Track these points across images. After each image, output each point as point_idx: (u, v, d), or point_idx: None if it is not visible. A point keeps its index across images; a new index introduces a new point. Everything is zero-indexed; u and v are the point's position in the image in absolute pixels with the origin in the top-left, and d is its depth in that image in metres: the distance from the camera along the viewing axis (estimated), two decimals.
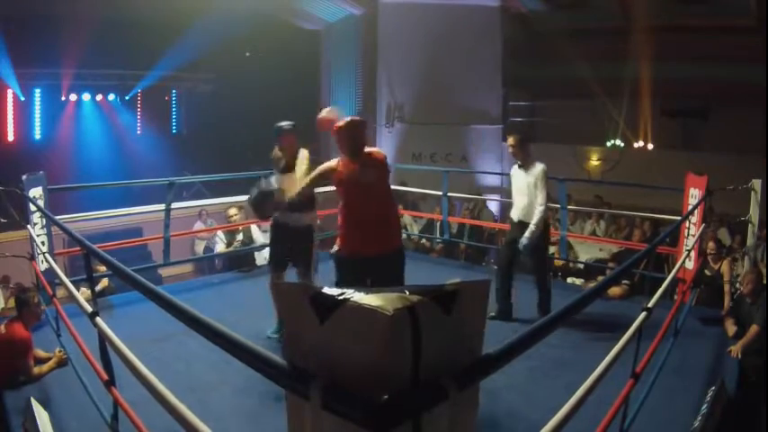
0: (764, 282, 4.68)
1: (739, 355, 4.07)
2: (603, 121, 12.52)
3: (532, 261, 4.82)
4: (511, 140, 4.79)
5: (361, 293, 1.06)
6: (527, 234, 4.59)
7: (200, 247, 8.78)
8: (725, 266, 5.28)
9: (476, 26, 11.61)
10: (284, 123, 4.19)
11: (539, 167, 4.67)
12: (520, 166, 4.77)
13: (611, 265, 6.88)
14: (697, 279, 5.18)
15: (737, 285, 5.22)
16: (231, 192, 9.20)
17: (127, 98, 12.58)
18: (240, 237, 7.04)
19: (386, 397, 0.97)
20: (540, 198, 4.58)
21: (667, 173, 7.85)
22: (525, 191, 4.68)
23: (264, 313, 4.22)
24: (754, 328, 4.16)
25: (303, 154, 4.14)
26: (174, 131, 13.78)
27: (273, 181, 4.06)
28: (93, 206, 6.42)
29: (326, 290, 1.10)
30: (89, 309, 2.44)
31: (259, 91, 11.78)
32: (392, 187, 3.81)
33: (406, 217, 8.91)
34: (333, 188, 3.60)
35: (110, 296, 5.66)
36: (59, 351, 3.78)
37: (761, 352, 4.09)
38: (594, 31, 11.70)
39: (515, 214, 4.80)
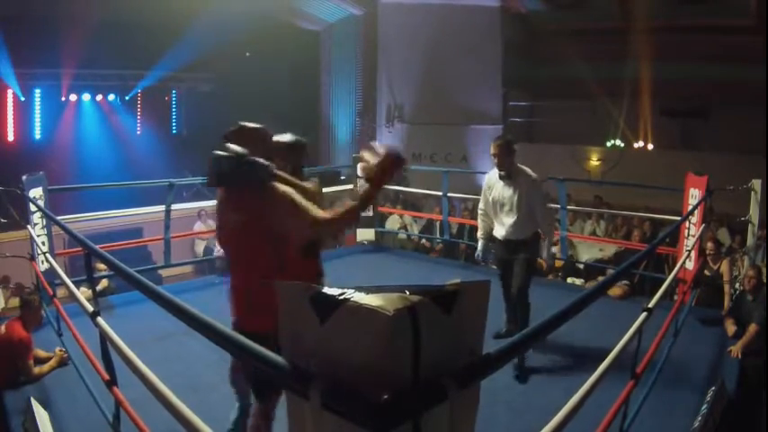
0: (765, 279, 4.69)
1: (739, 355, 4.07)
2: (603, 121, 12.53)
3: (522, 271, 4.05)
4: (493, 148, 4.04)
5: (362, 293, 1.06)
6: (547, 246, 4.20)
7: (200, 248, 8.78)
8: (724, 266, 5.29)
9: (476, 26, 11.62)
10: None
11: (529, 178, 4.04)
12: (502, 177, 4.09)
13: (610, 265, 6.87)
14: (697, 279, 5.18)
15: (737, 285, 5.22)
16: None
17: (127, 98, 12.58)
18: None
19: (386, 397, 0.97)
20: (540, 214, 4.06)
21: (667, 173, 7.86)
22: (513, 206, 4.05)
23: None
24: (753, 327, 4.17)
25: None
26: (174, 132, 13.78)
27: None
28: (93, 207, 6.42)
29: (327, 290, 1.10)
30: (90, 309, 2.44)
31: (259, 91, 11.79)
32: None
33: (406, 217, 8.91)
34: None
35: (110, 296, 5.66)
36: (60, 350, 3.78)
37: (761, 352, 4.09)
38: (594, 31, 11.70)
39: (500, 233, 4.18)
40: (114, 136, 12.36)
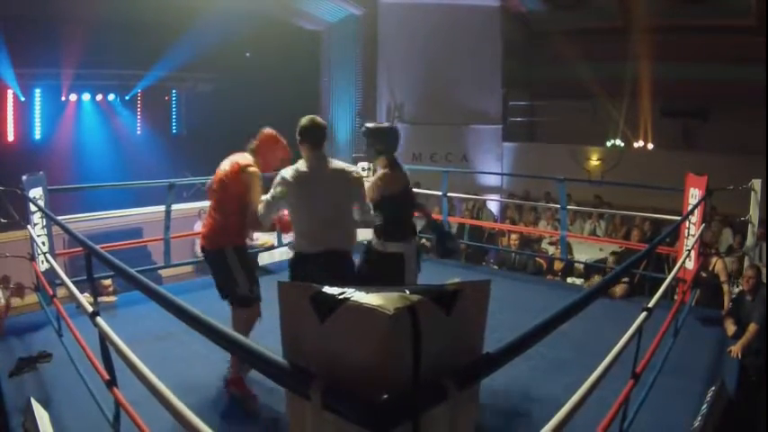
0: (763, 279, 4.69)
1: (739, 356, 4.07)
2: (603, 121, 12.54)
3: None
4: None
5: (362, 293, 1.06)
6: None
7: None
8: (719, 266, 5.28)
9: (476, 26, 11.62)
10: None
11: None
12: None
13: (610, 260, 6.84)
14: (695, 280, 5.18)
15: (739, 285, 5.22)
16: None
17: (127, 98, 12.59)
18: None
19: (386, 397, 0.97)
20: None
21: (667, 173, 7.87)
22: None
23: (265, 313, 4.21)
24: (752, 327, 4.17)
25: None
26: (174, 131, 13.78)
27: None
28: (93, 207, 6.43)
29: (327, 289, 1.10)
30: (90, 309, 2.44)
31: (259, 91, 11.79)
32: None
33: None
34: None
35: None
36: None
37: (761, 352, 4.09)
38: (594, 31, 11.71)
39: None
40: (114, 136, 12.37)
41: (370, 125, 3.51)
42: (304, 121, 3.14)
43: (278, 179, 3.09)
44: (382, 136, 3.45)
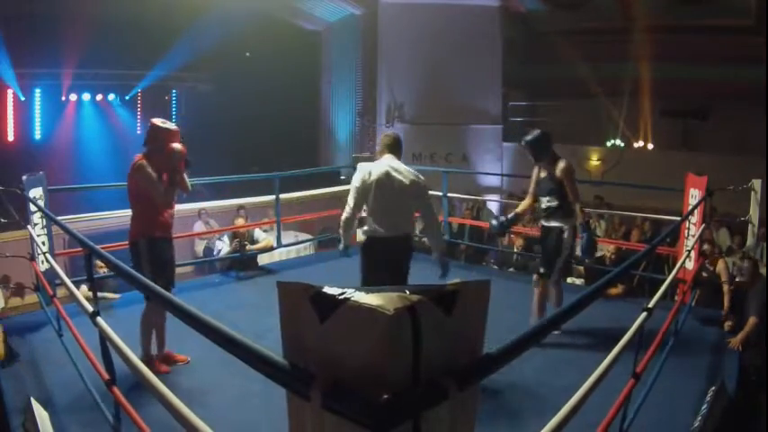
0: (761, 272, 4.71)
1: (739, 348, 4.09)
2: (603, 121, 12.54)
3: None
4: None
5: (362, 293, 1.06)
6: None
7: (199, 247, 8.78)
8: (720, 266, 5.29)
9: (476, 26, 11.62)
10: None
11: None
12: None
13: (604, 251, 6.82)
14: (696, 280, 5.18)
15: (736, 279, 5.23)
16: (230, 193, 9.20)
17: (127, 98, 12.58)
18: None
19: (386, 397, 0.97)
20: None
21: (667, 173, 7.86)
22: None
23: (265, 313, 4.22)
24: (752, 320, 4.20)
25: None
26: None
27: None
28: (93, 207, 6.42)
29: (327, 289, 1.10)
30: (90, 309, 2.44)
31: (259, 91, 11.79)
32: None
33: None
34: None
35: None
36: None
37: (759, 345, 4.10)
38: (594, 31, 11.71)
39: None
40: (114, 136, 12.36)
41: (528, 138, 4.44)
42: (382, 137, 3.96)
43: (357, 174, 3.72)
44: (543, 141, 4.42)
